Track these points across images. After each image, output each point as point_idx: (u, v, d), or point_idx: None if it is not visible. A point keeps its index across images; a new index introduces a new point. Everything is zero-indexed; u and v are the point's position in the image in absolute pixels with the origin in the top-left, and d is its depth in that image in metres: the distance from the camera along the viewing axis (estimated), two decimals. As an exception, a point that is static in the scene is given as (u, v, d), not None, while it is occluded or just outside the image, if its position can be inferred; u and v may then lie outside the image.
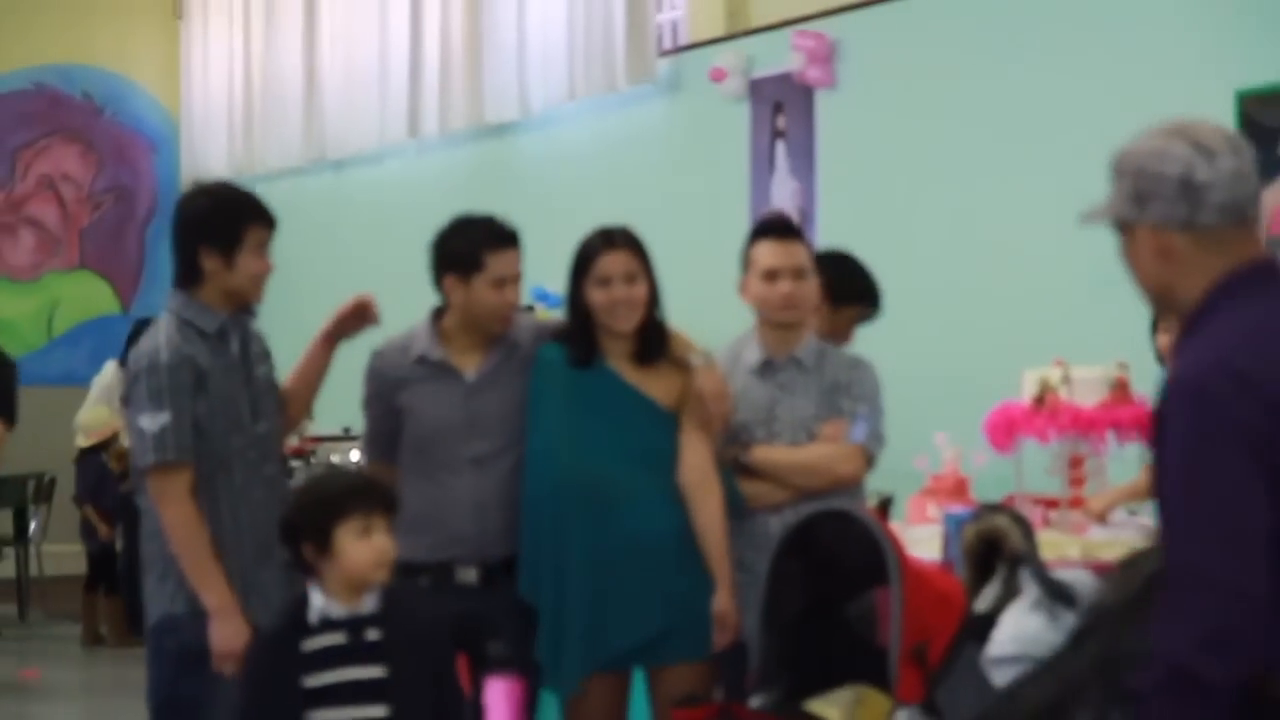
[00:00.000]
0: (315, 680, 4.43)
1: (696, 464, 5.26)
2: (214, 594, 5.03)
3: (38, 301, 15.79)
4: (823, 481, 5.27)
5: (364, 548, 4.44)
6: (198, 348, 5.13)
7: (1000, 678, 4.09)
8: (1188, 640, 2.91)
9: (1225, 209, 3.15)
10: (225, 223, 5.17)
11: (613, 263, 5.25)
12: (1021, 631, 4.10)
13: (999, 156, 9.13)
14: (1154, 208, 3.17)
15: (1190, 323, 3.19)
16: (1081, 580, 4.12)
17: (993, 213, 8.82)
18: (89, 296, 15.87)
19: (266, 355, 5.38)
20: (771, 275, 5.34)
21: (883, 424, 5.40)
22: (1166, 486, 3.08)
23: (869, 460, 5.37)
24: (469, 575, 5.32)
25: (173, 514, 5.06)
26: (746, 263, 5.43)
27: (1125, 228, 3.27)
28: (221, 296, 5.20)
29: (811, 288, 5.39)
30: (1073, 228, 7.85)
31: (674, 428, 5.29)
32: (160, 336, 5.13)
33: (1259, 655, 2.90)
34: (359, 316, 5.47)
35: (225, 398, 5.16)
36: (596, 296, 5.24)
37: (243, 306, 5.27)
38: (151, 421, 5.06)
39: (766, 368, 5.40)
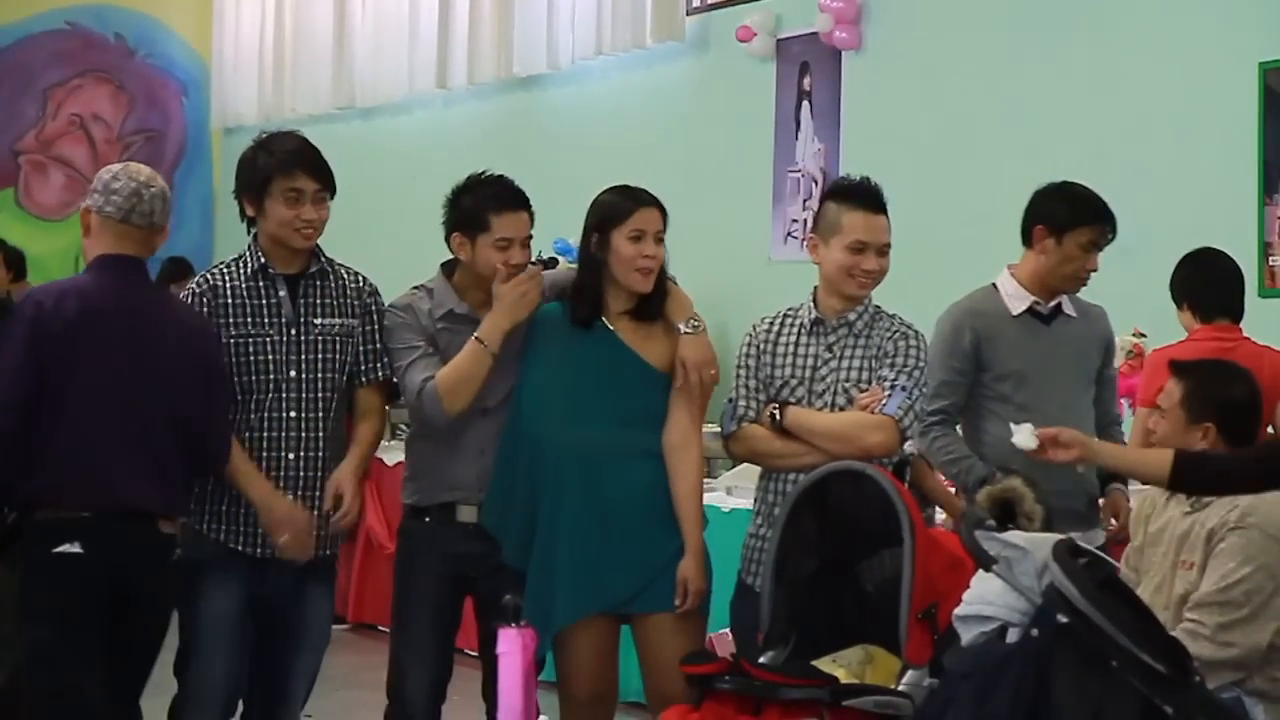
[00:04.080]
0: None
1: (679, 426, 5.31)
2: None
3: (66, 240, 15.72)
4: (850, 449, 5.13)
5: None
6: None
7: (965, 635, 4.18)
8: None
9: (120, 209, 5.21)
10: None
11: (649, 219, 5.29)
12: (982, 591, 4.18)
13: (1023, 123, 9.14)
14: (95, 197, 5.24)
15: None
16: (1039, 542, 4.19)
17: (1017, 179, 8.84)
18: (116, 237, 15.89)
19: (335, 308, 5.55)
20: (859, 248, 5.29)
21: (921, 399, 5.31)
22: None
23: (901, 434, 5.22)
24: (470, 514, 5.46)
25: None
26: (828, 223, 5.35)
27: None
28: (267, 240, 5.51)
29: (888, 264, 5.35)
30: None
31: (667, 389, 5.33)
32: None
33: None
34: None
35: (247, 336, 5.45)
36: (627, 249, 5.26)
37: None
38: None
39: (817, 326, 5.37)
